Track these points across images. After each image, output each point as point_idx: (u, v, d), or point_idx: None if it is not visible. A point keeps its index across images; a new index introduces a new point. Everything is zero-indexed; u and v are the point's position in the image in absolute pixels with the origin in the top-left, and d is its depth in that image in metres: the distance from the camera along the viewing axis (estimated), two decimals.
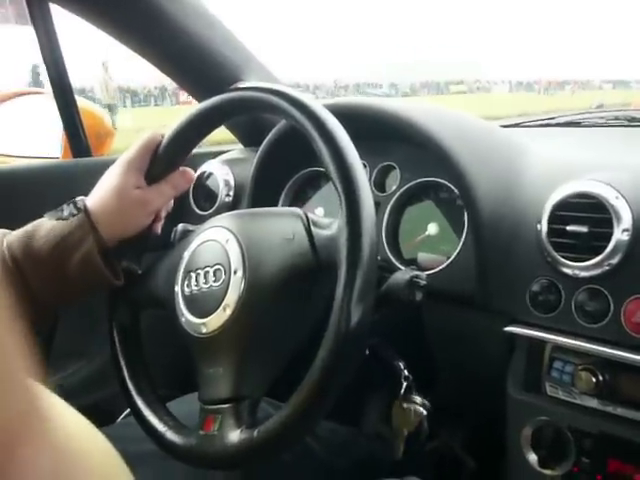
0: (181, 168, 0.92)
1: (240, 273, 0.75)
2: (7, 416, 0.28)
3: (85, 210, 0.84)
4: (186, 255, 0.82)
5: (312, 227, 0.76)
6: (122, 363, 0.88)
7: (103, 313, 0.90)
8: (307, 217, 0.77)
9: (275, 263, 0.75)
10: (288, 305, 0.76)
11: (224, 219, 0.82)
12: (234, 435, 0.71)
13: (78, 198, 0.86)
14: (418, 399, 1.00)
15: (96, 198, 0.86)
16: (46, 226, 0.83)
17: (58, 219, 0.83)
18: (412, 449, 1.01)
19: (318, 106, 0.75)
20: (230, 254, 0.76)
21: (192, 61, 1.26)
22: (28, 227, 0.84)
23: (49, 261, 0.81)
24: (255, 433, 0.70)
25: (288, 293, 0.76)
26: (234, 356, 0.75)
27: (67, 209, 0.84)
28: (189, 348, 0.79)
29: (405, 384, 0.99)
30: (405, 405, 0.99)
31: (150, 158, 0.89)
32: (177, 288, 0.81)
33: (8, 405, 0.28)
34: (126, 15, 1.16)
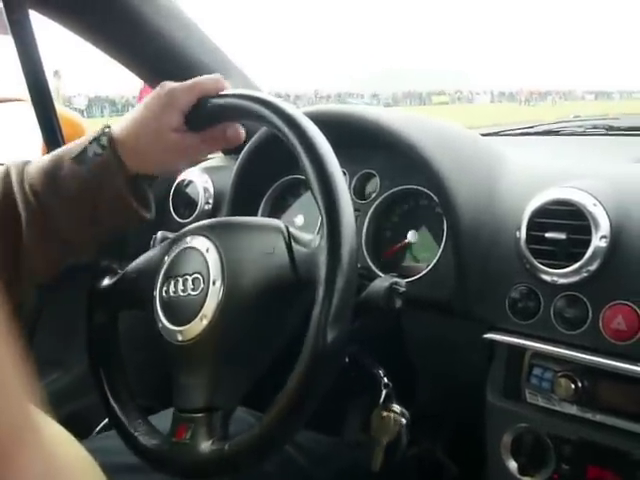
0: (232, 124, 0.85)
1: (218, 284, 0.74)
2: (3, 428, 0.29)
3: (111, 145, 0.79)
4: (167, 260, 0.81)
5: (293, 243, 0.76)
6: (99, 365, 0.87)
7: (82, 323, 0.90)
8: (289, 232, 0.77)
9: (254, 276, 0.75)
10: (265, 319, 0.76)
11: (206, 227, 0.81)
12: (205, 445, 0.72)
13: (101, 132, 0.81)
14: (397, 408, 1.00)
15: (129, 131, 0.81)
16: (71, 168, 0.79)
17: (81, 163, 0.79)
18: (392, 458, 1.01)
19: (299, 114, 0.75)
20: (210, 264, 0.76)
21: (167, 64, 1.25)
22: (48, 165, 0.80)
23: (77, 203, 0.79)
24: (226, 446, 0.70)
25: (266, 307, 0.76)
26: (209, 366, 0.75)
27: (90, 149, 0.79)
28: (165, 353, 0.79)
29: (385, 392, 0.99)
30: (385, 413, 0.99)
31: (196, 102, 0.81)
32: (156, 292, 0.80)
33: (4, 418, 0.29)
34: (102, 19, 1.16)
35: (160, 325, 0.79)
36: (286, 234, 0.77)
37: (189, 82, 0.82)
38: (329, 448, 1.10)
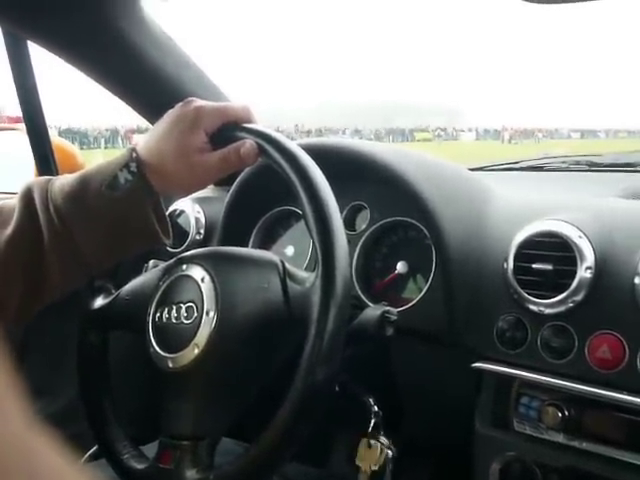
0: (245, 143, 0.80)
1: (212, 314, 0.75)
2: None
3: (139, 170, 0.78)
4: (162, 285, 0.81)
5: (288, 280, 0.76)
6: (90, 386, 0.88)
7: (68, 351, 0.90)
8: (284, 268, 0.78)
9: (247, 309, 0.76)
10: (256, 351, 0.77)
11: (202, 256, 0.82)
12: (190, 474, 0.72)
13: (129, 158, 0.79)
14: (385, 440, 1.00)
15: (153, 151, 0.80)
16: (101, 194, 0.77)
17: (113, 190, 0.77)
18: None
19: (296, 146, 0.76)
20: (204, 294, 0.76)
21: (163, 98, 1.24)
22: (75, 187, 0.78)
23: (103, 227, 0.78)
24: (211, 476, 0.70)
25: (257, 340, 0.76)
26: (197, 395, 0.76)
27: (122, 176, 0.77)
28: (155, 378, 0.79)
29: (374, 420, 0.99)
30: (372, 442, 1.00)
31: (221, 126, 0.81)
32: (149, 317, 0.81)
33: None
34: (99, 52, 1.16)
35: (151, 350, 0.79)
36: (281, 270, 0.77)
37: (220, 104, 0.82)
38: None
